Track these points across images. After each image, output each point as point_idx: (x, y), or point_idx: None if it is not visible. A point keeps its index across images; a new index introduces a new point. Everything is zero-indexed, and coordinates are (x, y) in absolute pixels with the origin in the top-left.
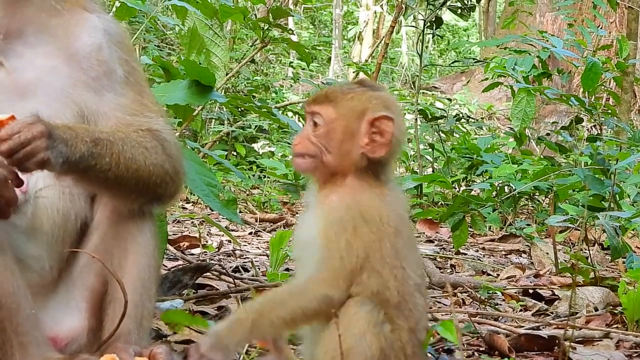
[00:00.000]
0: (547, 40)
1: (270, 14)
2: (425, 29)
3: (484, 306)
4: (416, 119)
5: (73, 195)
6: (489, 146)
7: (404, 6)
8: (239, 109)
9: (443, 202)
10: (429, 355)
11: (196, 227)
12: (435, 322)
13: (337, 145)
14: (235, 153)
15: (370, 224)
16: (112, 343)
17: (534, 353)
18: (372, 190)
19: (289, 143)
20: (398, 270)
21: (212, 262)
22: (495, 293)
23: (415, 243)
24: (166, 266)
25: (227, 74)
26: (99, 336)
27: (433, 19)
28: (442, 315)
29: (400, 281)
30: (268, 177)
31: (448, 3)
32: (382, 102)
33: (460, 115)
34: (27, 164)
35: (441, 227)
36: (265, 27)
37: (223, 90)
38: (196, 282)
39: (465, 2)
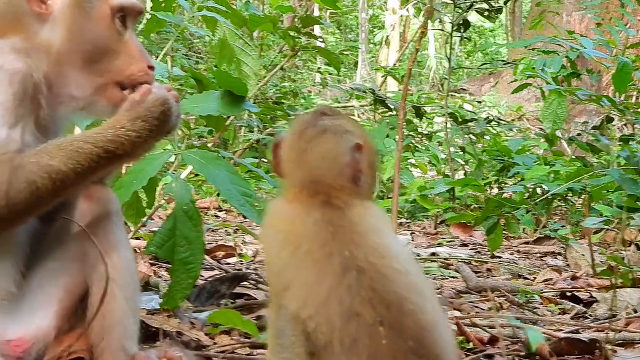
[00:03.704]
0: (576, 41)
1: (299, 22)
2: (453, 32)
3: (522, 310)
4: (446, 123)
5: None
6: (520, 148)
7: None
8: (269, 116)
9: (476, 205)
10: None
11: (230, 235)
12: (474, 328)
13: None
14: (266, 160)
15: (268, 230)
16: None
17: (575, 357)
18: (291, 203)
19: None
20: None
21: (249, 271)
22: (533, 297)
23: (346, 267)
24: (203, 276)
25: (258, 83)
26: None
27: (461, 22)
28: (480, 320)
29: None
30: None
31: (475, 5)
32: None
33: (491, 117)
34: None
35: (475, 230)
36: (296, 36)
37: (252, 99)
38: (234, 291)
39: (493, 4)
